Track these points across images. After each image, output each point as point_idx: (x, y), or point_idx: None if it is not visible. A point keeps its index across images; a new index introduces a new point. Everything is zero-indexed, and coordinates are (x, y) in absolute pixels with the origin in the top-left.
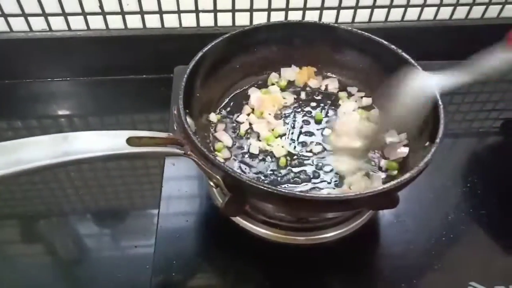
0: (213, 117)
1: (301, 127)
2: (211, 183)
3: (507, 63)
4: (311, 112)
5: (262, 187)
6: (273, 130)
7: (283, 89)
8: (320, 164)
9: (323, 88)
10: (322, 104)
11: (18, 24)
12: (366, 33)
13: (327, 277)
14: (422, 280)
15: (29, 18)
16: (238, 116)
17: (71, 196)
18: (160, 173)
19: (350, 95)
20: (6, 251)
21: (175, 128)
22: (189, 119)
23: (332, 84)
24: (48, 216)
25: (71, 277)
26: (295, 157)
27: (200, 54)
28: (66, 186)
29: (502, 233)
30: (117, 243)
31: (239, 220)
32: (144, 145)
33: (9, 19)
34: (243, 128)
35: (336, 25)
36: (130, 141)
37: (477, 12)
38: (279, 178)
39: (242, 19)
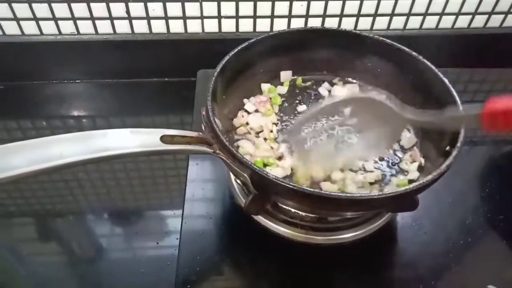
0: (237, 120)
1: None
2: (238, 181)
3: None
4: None
5: (287, 185)
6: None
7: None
8: None
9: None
10: None
11: (49, 28)
12: (389, 40)
13: (344, 276)
14: (440, 281)
15: (59, 22)
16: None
17: (91, 195)
18: (179, 174)
19: None
20: (27, 249)
21: (203, 128)
22: (216, 120)
23: (352, 89)
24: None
25: (96, 272)
26: None
27: (227, 58)
28: (88, 185)
29: None
30: (140, 240)
31: (260, 219)
32: (176, 143)
33: (40, 22)
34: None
35: (358, 31)
36: (163, 138)
37: (495, 21)
38: None
39: (263, 25)
